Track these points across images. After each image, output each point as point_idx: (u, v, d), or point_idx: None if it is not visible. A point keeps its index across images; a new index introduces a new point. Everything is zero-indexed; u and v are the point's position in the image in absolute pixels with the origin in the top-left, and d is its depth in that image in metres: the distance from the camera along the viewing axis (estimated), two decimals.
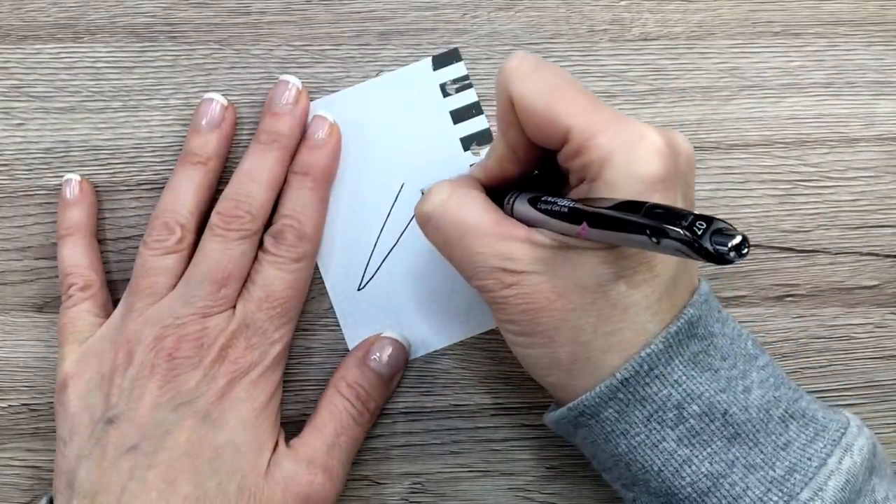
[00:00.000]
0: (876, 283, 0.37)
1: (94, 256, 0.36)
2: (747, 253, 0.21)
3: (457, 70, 0.36)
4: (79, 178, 0.36)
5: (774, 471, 0.28)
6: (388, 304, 0.36)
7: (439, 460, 0.37)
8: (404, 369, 0.36)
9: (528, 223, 0.29)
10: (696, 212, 0.22)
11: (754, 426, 0.28)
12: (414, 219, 0.36)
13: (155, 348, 0.32)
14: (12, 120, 0.37)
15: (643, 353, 0.27)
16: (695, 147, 0.36)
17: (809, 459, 0.28)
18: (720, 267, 0.36)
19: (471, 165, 0.34)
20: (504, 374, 0.36)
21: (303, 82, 0.35)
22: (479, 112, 0.36)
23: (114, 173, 0.37)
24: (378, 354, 0.35)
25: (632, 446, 0.28)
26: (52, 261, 0.36)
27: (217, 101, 0.35)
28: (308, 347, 0.36)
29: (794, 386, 0.30)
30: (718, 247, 0.21)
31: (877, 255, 0.37)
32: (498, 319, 0.30)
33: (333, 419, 0.34)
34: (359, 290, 0.36)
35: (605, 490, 0.36)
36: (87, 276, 0.35)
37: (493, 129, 0.36)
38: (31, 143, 0.37)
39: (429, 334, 0.36)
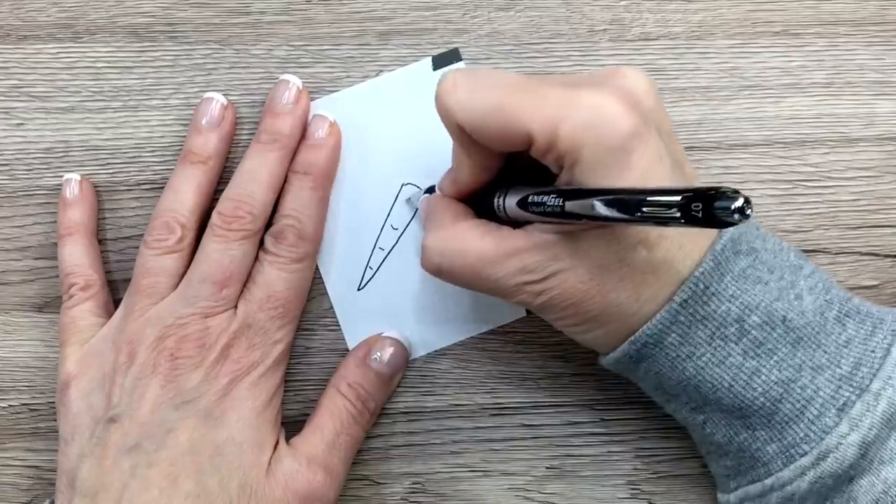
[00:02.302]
0: (876, 283, 0.37)
1: (94, 256, 0.36)
2: (751, 214, 0.21)
3: None
4: (79, 177, 0.36)
5: (841, 368, 0.28)
6: (388, 304, 0.36)
7: (439, 460, 0.37)
8: (405, 369, 0.36)
9: (525, 218, 0.29)
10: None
11: (814, 329, 0.29)
12: (413, 219, 0.36)
13: (157, 348, 0.32)
14: (12, 120, 0.37)
15: (696, 273, 0.27)
16: (695, 147, 0.36)
17: (873, 352, 0.29)
18: None
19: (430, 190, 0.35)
20: (504, 374, 0.37)
21: (303, 82, 0.35)
22: None
23: (114, 173, 0.37)
24: (378, 354, 0.35)
25: (699, 367, 0.29)
26: (52, 261, 0.36)
27: (217, 100, 0.35)
28: (308, 347, 0.36)
29: (843, 289, 0.31)
30: (724, 217, 0.20)
31: (877, 255, 0.37)
32: (548, 320, 0.30)
33: (333, 418, 0.34)
34: (359, 290, 0.36)
35: (605, 490, 0.36)
36: (87, 275, 0.35)
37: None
38: (31, 143, 0.37)
39: (429, 334, 0.36)
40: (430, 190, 0.35)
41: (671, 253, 0.27)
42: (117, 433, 0.31)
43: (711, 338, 0.28)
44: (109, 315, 0.34)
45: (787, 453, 0.29)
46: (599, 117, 0.26)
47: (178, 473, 0.31)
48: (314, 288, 0.36)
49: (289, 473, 0.32)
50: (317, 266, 0.36)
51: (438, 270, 0.31)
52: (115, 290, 0.36)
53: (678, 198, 0.21)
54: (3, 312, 0.37)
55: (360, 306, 0.36)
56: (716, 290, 0.28)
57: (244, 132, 0.36)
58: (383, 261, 0.36)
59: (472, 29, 0.37)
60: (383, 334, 0.36)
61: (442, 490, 0.36)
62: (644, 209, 0.22)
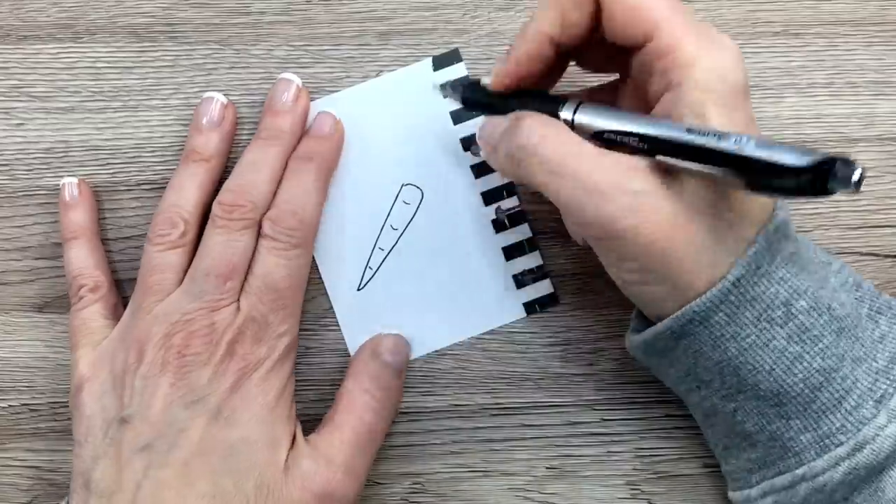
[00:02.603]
0: (876, 283, 0.37)
1: (100, 257, 0.36)
2: (863, 181, 0.21)
3: (457, 70, 0.36)
4: (76, 180, 0.36)
5: (877, 362, 0.29)
6: (388, 304, 0.36)
7: (439, 460, 0.37)
8: (407, 364, 0.36)
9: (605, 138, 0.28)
10: (813, 156, 0.22)
11: (853, 321, 0.29)
12: (413, 219, 0.36)
13: (164, 346, 0.32)
14: (12, 120, 0.37)
15: (750, 252, 0.27)
16: None
17: None
18: None
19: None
20: (504, 374, 0.37)
21: (303, 82, 0.35)
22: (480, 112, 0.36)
23: (114, 173, 0.37)
24: (384, 346, 0.35)
25: (742, 348, 0.28)
26: (52, 261, 0.36)
27: (217, 99, 0.35)
28: (308, 347, 0.36)
29: (870, 284, 0.31)
30: (843, 186, 0.21)
31: (877, 255, 0.37)
32: (613, 261, 0.29)
33: (353, 416, 0.34)
34: (359, 290, 0.36)
35: (605, 490, 0.36)
36: (95, 277, 0.35)
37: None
38: (31, 143, 0.37)
39: (429, 334, 0.36)
40: (468, 87, 0.32)
41: (749, 218, 0.27)
42: (130, 433, 0.31)
43: (758, 319, 0.28)
44: (118, 316, 0.34)
45: (821, 443, 0.29)
46: (725, 51, 0.26)
47: (192, 474, 0.31)
48: (314, 288, 0.36)
49: (307, 474, 0.32)
50: (317, 266, 0.36)
51: (531, 153, 0.28)
52: (117, 290, 0.36)
53: (804, 163, 0.22)
54: (3, 312, 0.37)
55: (360, 306, 0.36)
56: (766, 271, 0.27)
57: (244, 132, 0.36)
58: (383, 261, 0.36)
59: (472, 29, 0.37)
60: (381, 334, 0.36)
61: (442, 490, 0.36)
62: (766, 167, 0.23)
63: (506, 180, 0.36)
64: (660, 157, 0.26)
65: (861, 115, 0.37)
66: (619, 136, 0.27)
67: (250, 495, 0.31)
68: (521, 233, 0.36)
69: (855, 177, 0.21)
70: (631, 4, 0.27)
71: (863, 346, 0.29)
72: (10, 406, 0.37)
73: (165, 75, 0.37)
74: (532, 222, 0.36)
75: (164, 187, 0.35)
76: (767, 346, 0.28)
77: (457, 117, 0.36)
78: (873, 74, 0.37)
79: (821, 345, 0.28)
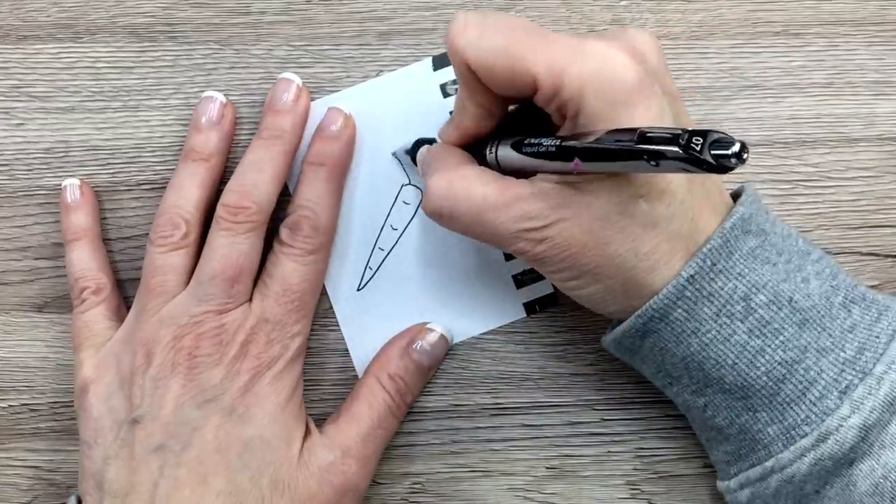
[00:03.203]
0: (876, 283, 0.37)
1: (102, 259, 0.36)
2: (747, 158, 0.21)
3: None
4: (78, 182, 0.36)
5: (845, 352, 0.29)
6: (388, 305, 0.36)
7: (439, 460, 0.37)
8: (442, 363, 0.36)
9: (517, 169, 0.29)
10: (688, 127, 0.22)
11: (819, 312, 0.29)
12: (413, 219, 0.36)
13: (174, 347, 0.32)
14: (12, 120, 0.37)
15: (704, 249, 0.28)
16: None
17: (877, 337, 0.29)
18: None
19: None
20: (504, 374, 0.37)
21: (303, 82, 0.35)
22: None
23: (114, 173, 0.37)
24: (421, 344, 0.35)
25: (703, 344, 0.29)
26: (52, 261, 0.36)
27: (216, 98, 0.35)
28: (308, 347, 0.36)
29: (849, 276, 0.31)
30: (721, 159, 0.21)
31: (877, 255, 0.37)
32: (544, 272, 0.30)
33: (371, 410, 0.34)
34: (359, 290, 0.36)
35: (605, 490, 0.36)
36: (98, 279, 0.35)
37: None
38: (31, 143, 0.37)
39: None
40: (417, 144, 0.35)
41: (671, 209, 0.27)
42: (141, 434, 0.31)
43: (717, 315, 0.28)
44: (122, 318, 0.34)
45: (787, 434, 0.29)
46: (606, 66, 0.26)
47: (207, 472, 0.31)
48: None
49: (323, 465, 0.33)
50: None
51: (440, 213, 0.30)
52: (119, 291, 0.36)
53: (679, 130, 0.22)
54: (3, 312, 0.37)
55: (360, 306, 0.36)
56: (723, 267, 0.28)
57: (244, 132, 0.36)
58: (383, 261, 0.36)
59: None
60: (427, 325, 0.36)
61: (442, 490, 0.37)
62: (649, 136, 0.22)
63: None
64: (566, 143, 0.26)
65: (861, 115, 0.37)
66: (536, 147, 0.28)
67: (265, 492, 0.31)
68: None
69: (734, 149, 0.21)
70: (505, 71, 0.27)
71: (830, 335, 0.29)
72: (10, 406, 0.37)
73: (165, 75, 0.37)
74: None
75: (165, 187, 0.35)
76: (729, 340, 0.28)
77: None
78: (873, 74, 0.37)
79: (782, 337, 0.28)
